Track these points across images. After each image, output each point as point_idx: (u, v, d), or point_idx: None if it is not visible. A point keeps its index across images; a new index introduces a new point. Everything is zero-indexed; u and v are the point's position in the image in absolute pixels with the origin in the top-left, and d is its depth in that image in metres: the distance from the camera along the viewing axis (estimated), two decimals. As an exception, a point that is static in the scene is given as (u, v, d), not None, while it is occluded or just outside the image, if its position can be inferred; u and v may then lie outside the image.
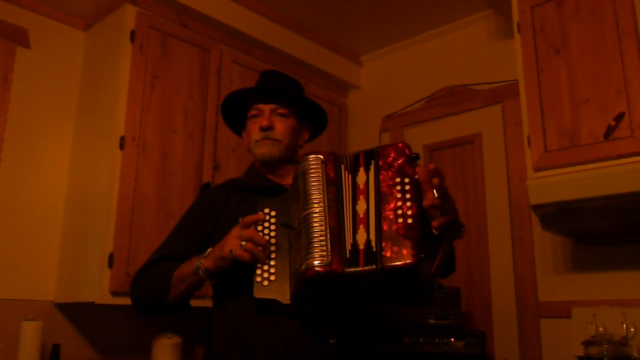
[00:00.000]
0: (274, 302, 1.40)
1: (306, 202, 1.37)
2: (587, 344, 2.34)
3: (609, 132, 2.17)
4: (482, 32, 3.27)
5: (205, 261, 1.46)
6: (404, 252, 1.27)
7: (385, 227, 1.32)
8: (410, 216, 1.31)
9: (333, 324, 1.51)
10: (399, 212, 1.32)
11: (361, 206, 1.37)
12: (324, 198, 1.37)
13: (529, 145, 2.37)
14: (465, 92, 3.25)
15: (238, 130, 1.86)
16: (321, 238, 1.32)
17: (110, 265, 2.41)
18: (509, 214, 2.95)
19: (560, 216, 2.31)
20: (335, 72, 3.63)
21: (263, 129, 1.69)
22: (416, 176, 1.36)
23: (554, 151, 2.31)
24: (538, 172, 2.32)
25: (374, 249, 1.30)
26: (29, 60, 2.78)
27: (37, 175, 2.73)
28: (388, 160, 1.40)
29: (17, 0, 2.77)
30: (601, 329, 2.41)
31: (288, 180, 1.70)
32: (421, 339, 2.62)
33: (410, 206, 1.32)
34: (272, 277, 1.40)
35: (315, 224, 1.34)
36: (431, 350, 2.59)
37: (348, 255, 1.31)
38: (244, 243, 1.39)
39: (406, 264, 1.27)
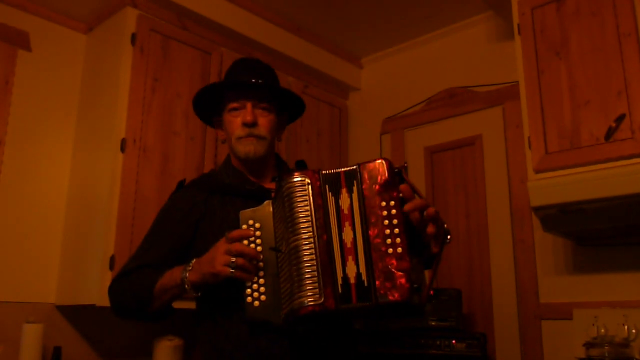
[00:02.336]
0: (265, 323, 1.36)
1: (294, 230, 1.31)
2: (588, 345, 2.34)
3: (609, 134, 2.17)
4: (483, 34, 3.27)
5: (190, 275, 1.39)
6: (398, 287, 1.23)
7: (375, 258, 1.26)
8: (399, 245, 1.25)
9: (321, 345, 1.47)
10: (388, 240, 1.26)
11: (347, 234, 1.30)
12: (312, 226, 1.30)
13: (529, 147, 2.37)
14: (465, 94, 3.25)
15: (208, 119, 1.74)
16: (312, 273, 1.26)
17: (111, 267, 2.41)
18: (509, 215, 2.95)
19: (561, 218, 2.31)
20: (336, 74, 3.63)
21: (247, 125, 1.58)
22: (401, 195, 1.30)
23: (554, 153, 2.31)
24: (539, 173, 2.32)
25: (366, 284, 1.25)
26: (30, 63, 2.79)
27: (38, 178, 2.74)
28: (370, 181, 1.32)
29: (18, 4, 2.77)
30: (602, 330, 2.41)
31: (267, 180, 1.65)
32: (422, 341, 2.62)
33: (399, 233, 1.26)
34: (263, 297, 1.35)
35: (304, 257, 1.28)
36: (432, 352, 2.59)
37: (340, 291, 1.26)
38: (234, 259, 1.33)
39: (400, 300, 1.23)
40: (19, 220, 2.65)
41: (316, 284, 1.26)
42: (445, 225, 1.40)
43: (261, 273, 1.37)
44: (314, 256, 1.28)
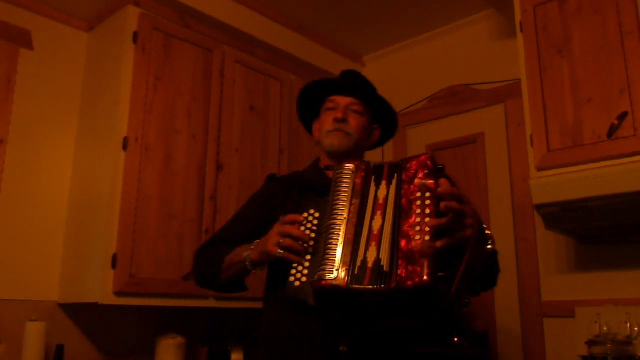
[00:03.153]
0: (301, 302, 1.40)
1: (331, 211, 1.40)
2: (590, 343, 2.33)
3: (612, 132, 2.17)
4: (485, 32, 3.27)
5: (251, 253, 1.53)
6: (419, 271, 1.24)
7: (402, 245, 1.29)
8: (428, 233, 1.28)
9: (351, 333, 1.50)
10: (417, 228, 1.30)
11: (377, 222, 1.36)
12: (347, 210, 1.39)
13: (531, 145, 2.37)
14: (467, 92, 3.25)
15: (308, 125, 1.89)
16: (333, 252, 1.34)
17: (113, 265, 2.42)
18: (512, 213, 2.95)
19: (563, 216, 2.31)
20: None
21: (337, 121, 1.71)
22: (439, 189, 1.34)
23: (556, 150, 2.30)
24: (541, 171, 2.32)
25: (385, 268, 1.29)
26: (32, 61, 2.79)
27: (40, 177, 2.74)
28: (410, 174, 1.38)
29: (20, 2, 2.77)
30: (605, 328, 2.41)
31: None
32: (425, 339, 2.62)
33: (429, 222, 1.30)
34: (304, 279, 1.40)
35: (333, 236, 1.37)
36: (435, 350, 2.59)
37: (356, 272, 1.31)
38: (281, 240, 1.42)
39: (419, 283, 1.23)
40: (22, 219, 2.66)
41: (334, 263, 1.33)
42: (488, 232, 1.47)
43: (308, 257, 1.42)
44: (340, 237, 1.36)
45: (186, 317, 2.96)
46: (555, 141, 2.32)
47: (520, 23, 2.52)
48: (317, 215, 1.48)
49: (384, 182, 1.41)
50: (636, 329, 2.36)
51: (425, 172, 1.37)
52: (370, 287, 1.28)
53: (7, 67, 2.69)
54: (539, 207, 2.32)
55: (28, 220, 2.67)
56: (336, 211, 1.40)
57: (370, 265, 1.31)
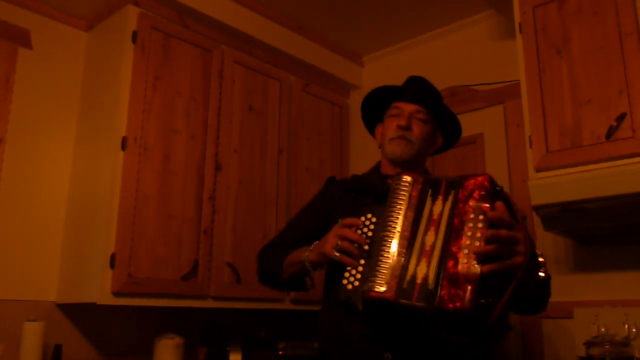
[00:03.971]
0: (352, 305, 1.43)
1: (385, 222, 1.42)
2: (589, 344, 2.34)
3: (610, 133, 2.17)
4: (484, 33, 3.27)
5: (310, 254, 1.60)
6: (462, 295, 1.26)
7: (449, 265, 1.31)
8: (475, 258, 1.30)
9: (396, 341, 1.51)
10: (465, 251, 1.31)
11: (429, 238, 1.37)
12: (401, 222, 1.40)
13: (530, 146, 2.37)
14: (466, 93, 3.25)
15: (371, 129, 1.92)
16: (386, 264, 1.36)
17: (112, 265, 2.41)
18: (510, 214, 2.95)
19: (562, 217, 2.31)
20: (337, 72, 3.63)
21: (401, 128, 1.73)
22: (488, 212, 1.34)
23: (555, 152, 2.30)
24: (540, 172, 2.32)
25: (431, 287, 1.31)
26: (31, 61, 2.79)
27: (39, 176, 2.74)
28: (466, 193, 1.39)
29: (19, 1, 2.77)
30: (603, 329, 2.41)
31: None
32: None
33: (478, 247, 1.30)
34: (356, 283, 1.43)
35: (385, 247, 1.38)
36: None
37: (404, 286, 1.33)
38: (339, 242, 1.45)
39: (460, 308, 1.25)
40: (20, 218, 2.65)
41: (384, 274, 1.35)
42: (541, 259, 1.46)
43: (362, 261, 1.44)
44: (391, 249, 1.38)
45: (185, 318, 2.96)
46: (554, 142, 2.32)
47: (520, 24, 2.52)
48: (374, 220, 1.49)
49: (440, 198, 1.42)
50: (634, 330, 2.36)
51: (482, 193, 1.37)
52: (417, 303, 1.31)
53: (6, 66, 2.69)
54: (538, 208, 2.31)
55: (26, 220, 2.67)
56: (390, 223, 1.41)
57: (419, 281, 1.33)
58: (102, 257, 2.42)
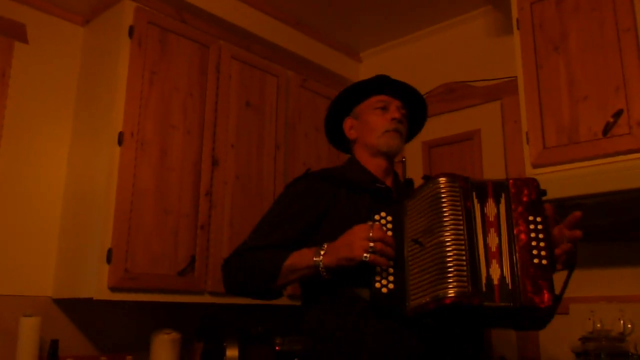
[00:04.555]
0: (393, 310, 1.40)
1: (441, 227, 1.37)
2: (584, 340, 2.35)
3: (607, 129, 2.17)
4: (481, 29, 3.27)
5: (325, 257, 1.46)
6: (544, 293, 1.31)
7: (521, 265, 1.33)
8: (545, 257, 1.35)
9: (447, 343, 1.49)
10: (534, 252, 1.35)
11: (492, 239, 1.37)
12: (461, 225, 1.37)
13: (527, 142, 2.38)
14: (464, 89, 3.25)
15: (340, 117, 1.84)
16: (460, 267, 1.32)
17: (108, 261, 2.41)
18: (507, 210, 2.95)
19: (558, 213, 2.31)
20: (334, 68, 3.62)
21: (398, 121, 1.71)
22: (546, 213, 1.39)
23: (552, 148, 2.31)
24: (536, 168, 2.33)
25: (510, 286, 1.32)
26: (27, 55, 2.78)
27: (35, 171, 2.73)
28: (520, 196, 1.41)
29: (15, -4, 2.76)
30: (599, 325, 2.42)
31: (388, 179, 1.75)
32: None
33: (544, 247, 1.35)
34: (391, 286, 1.40)
35: (449, 252, 1.34)
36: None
37: (484, 289, 1.32)
38: (372, 244, 1.39)
39: (545, 305, 1.31)
40: (16, 214, 2.65)
41: (464, 278, 1.31)
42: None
43: (391, 262, 1.42)
44: (462, 251, 1.34)
45: (181, 313, 2.96)
46: (550, 138, 2.32)
47: (517, 20, 2.52)
48: (389, 219, 1.47)
49: (489, 200, 1.41)
50: (629, 325, 2.37)
51: (535, 194, 1.41)
52: (502, 304, 1.31)
53: (2, 60, 2.68)
54: (534, 204, 2.32)
55: (23, 215, 2.66)
56: (446, 227, 1.36)
57: (496, 282, 1.33)
58: (99, 252, 2.42)
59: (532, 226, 1.37)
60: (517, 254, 1.35)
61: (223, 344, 2.76)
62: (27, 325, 2.42)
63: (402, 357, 1.44)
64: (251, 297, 1.67)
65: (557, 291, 1.38)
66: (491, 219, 1.39)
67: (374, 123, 1.73)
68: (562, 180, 2.22)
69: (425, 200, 1.43)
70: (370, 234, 1.40)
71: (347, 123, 1.81)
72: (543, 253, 1.35)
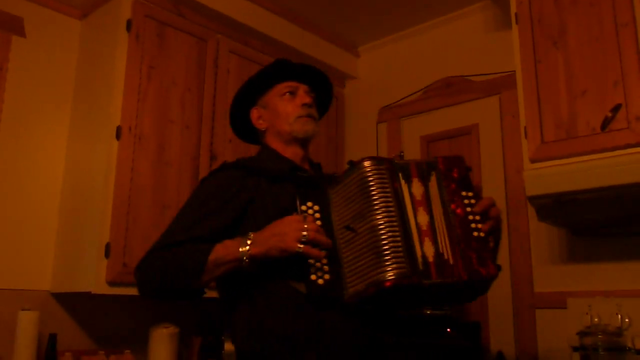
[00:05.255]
0: (331, 300, 1.39)
1: (371, 211, 1.36)
2: (582, 334, 2.35)
3: (605, 124, 2.17)
4: (480, 23, 3.26)
5: (252, 248, 1.40)
6: (488, 264, 1.34)
7: (463, 239, 1.36)
8: (482, 230, 1.38)
9: (384, 323, 1.51)
10: (472, 225, 1.38)
11: (422, 218, 1.38)
12: (391, 207, 1.37)
13: (525, 137, 2.37)
14: (462, 83, 3.25)
15: (245, 109, 1.79)
16: (395, 249, 1.32)
17: (107, 255, 2.41)
18: (505, 205, 2.96)
19: (556, 207, 2.32)
20: (333, 62, 3.62)
21: (308, 106, 1.69)
22: (475, 188, 1.43)
23: (550, 142, 2.31)
24: (535, 163, 2.33)
25: (449, 262, 1.34)
26: (25, 49, 2.77)
27: (33, 165, 2.73)
28: (449, 173, 1.44)
29: (12, -11, 2.75)
30: (596, 319, 2.43)
31: (305, 165, 1.73)
32: (417, 329, 2.63)
33: (480, 220, 1.39)
34: (326, 276, 1.39)
35: (383, 235, 1.34)
36: (427, 340, 2.60)
37: (420, 267, 1.33)
38: (305, 233, 1.37)
39: (488, 275, 1.33)
40: (14, 208, 2.64)
41: (401, 259, 1.32)
42: None
43: (323, 253, 1.40)
44: (396, 233, 1.35)
45: (179, 307, 2.96)
46: (549, 133, 2.32)
47: (516, 14, 2.51)
48: (316, 208, 1.45)
49: (415, 179, 1.42)
50: (627, 320, 2.38)
51: (464, 171, 1.44)
52: (439, 280, 1.32)
53: (-1, 54, 2.67)
54: (532, 199, 2.32)
55: (21, 210, 2.66)
56: (376, 210, 1.36)
57: (431, 260, 1.34)
58: (97, 246, 2.42)
59: (466, 201, 1.40)
60: (457, 229, 1.37)
61: (221, 338, 2.76)
62: (25, 320, 2.42)
63: (347, 346, 1.44)
64: (170, 299, 1.59)
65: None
66: (419, 198, 1.40)
67: (284, 110, 1.69)
68: (560, 175, 2.22)
69: (352, 186, 1.42)
70: (305, 225, 1.38)
71: (254, 114, 1.76)
72: (480, 226, 1.38)
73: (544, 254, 2.78)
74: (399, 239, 1.33)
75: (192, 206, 1.58)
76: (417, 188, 1.42)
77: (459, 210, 1.39)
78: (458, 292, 1.41)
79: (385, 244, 1.33)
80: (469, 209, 1.39)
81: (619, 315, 2.39)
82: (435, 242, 1.36)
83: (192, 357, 2.81)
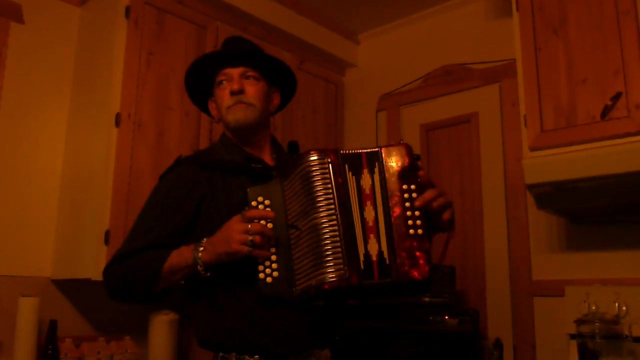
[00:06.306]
0: (278, 299, 1.39)
1: (314, 207, 1.34)
2: (579, 322, 2.37)
3: (605, 112, 2.17)
4: (480, 11, 3.25)
5: (204, 255, 1.41)
6: (420, 265, 1.29)
7: (397, 238, 1.31)
8: (420, 227, 1.32)
9: (332, 315, 1.53)
10: (410, 222, 1.32)
11: (369, 213, 1.34)
12: (333, 204, 1.34)
13: (525, 125, 2.37)
14: (462, 71, 3.24)
15: (204, 107, 1.76)
16: (335, 249, 1.30)
17: (106, 242, 2.41)
18: (504, 193, 2.96)
19: (555, 196, 2.32)
20: (333, 50, 3.60)
21: (234, 93, 1.60)
22: (419, 180, 1.37)
23: (550, 131, 2.31)
24: (534, 151, 2.33)
25: (388, 261, 1.30)
26: (23, 36, 2.75)
27: (33, 152, 2.72)
28: (392, 164, 1.38)
29: (10, -25, 2.73)
30: (593, 307, 2.44)
31: (266, 156, 1.68)
32: (415, 317, 2.64)
33: (419, 216, 1.33)
34: (275, 274, 1.38)
35: (326, 234, 1.32)
36: (425, 328, 2.61)
37: (362, 267, 1.30)
38: (251, 238, 1.35)
39: (421, 278, 1.29)
40: (14, 194, 2.64)
41: (340, 260, 1.29)
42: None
43: (273, 250, 1.39)
44: (336, 233, 1.32)
45: (179, 294, 2.97)
46: (548, 121, 2.32)
47: (516, 2, 2.50)
48: (267, 203, 1.42)
49: (365, 171, 1.38)
50: (624, 308, 2.39)
51: (407, 161, 1.37)
52: (379, 281, 1.30)
53: (-2, 41, 2.66)
54: (531, 187, 2.33)
55: (21, 196, 2.66)
56: (319, 206, 1.34)
57: (374, 258, 1.31)
58: (97, 233, 2.42)
59: (406, 195, 1.34)
60: (393, 226, 1.32)
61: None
62: (25, 306, 2.43)
63: (297, 336, 1.46)
64: (136, 303, 1.60)
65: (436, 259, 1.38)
66: (367, 191, 1.36)
67: (220, 100, 1.64)
68: (559, 163, 2.22)
69: (297, 181, 1.40)
70: (249, 226, 1.35)
71: (211, 106, 1.73)
72: (418, 222, 1.32)
73: (543, 242, 2.79)
74: (337, 238, 1.30)
75: (150, 207, 1.60)
76: (366, 180, 1.37)
77: (396, 207, 1.33)
78: (401, 289, 1.38)
79: (325, 245, 1.30)
80: (407, 204, 1.33)
81: (617, 303, 2.40)
82: (378, 240, 1.32)
83: (192, 344, 2.83)
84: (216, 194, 1.55)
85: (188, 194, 1.55)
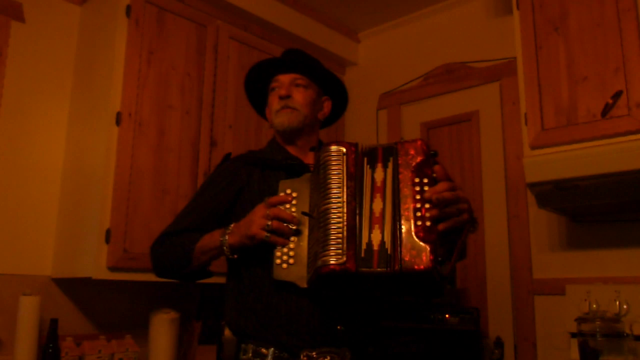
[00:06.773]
0: (291, 285, 1.43)
1: (326, 195, 1.38)
2: (580, 320, 2.36)
3: (606, 111, 2.17)
4: (481, 9, 3.25)
5: (230, 237, 1.51)
6: (423, 256, 1.28)
7: (404, 229, 1.32)
8: (429, 219, 1.32)
9: (344, 310, 1.54)
10: (418, 214, 1.33)
11: (377, 205, 1.37)
12: (343, 193, 1.37)
13: (526, 123, 2.37)
14: (463, 70, 3.24)
15: (262, 112, 1.89)
16: (338, 235, 1.33)
17: (107, 240, 2.42)
18: (505, 191, 2.96)
19: (556, 194, 2.32)
20: (333, 48, 3.60)
21: (282, 98, 1.71)
22: (434, 175, 1.38)
23: (551, 129, 2.30)
24: (535, 150, 2.33)
25: (389, 251, 1.31)
26: (24, 34, 2.76)
27: (33, 150, 2.72)
28: (407, 158, 1.40)
29: (10, -26, 2.73)
30: (594, 306, 2.44)
31: (309, 156, 1.73)
32: (416, 315, 2.64)
33: (429, 208, 1.33)
34: (291, 261, 1.43)
35: (332, 220, 1.35)
36: (426, 326, 2.62)
37: (362, 255, 1.32)
38: (270, 223, 1.42)
39: (424, 268, 1.28)
40: (15, 193, 2.65)
41: (340, 246, 1.32)
42: (475, 215, 1.48)
43: (293, 238, 1.44)
44: (340, 220, 1.35)
45: (180, 292, 2.97)
46: (549, 119, 2.32)
47: (517, 0, 2.50)
48: (294, 195, 1.48)
49: (379, 165, 1.41)
50: (625, 306, 2.39)
51: (422, 156, 1.39)
52: (378, 270, 1.31)
53: (-2, 39, 2.66)
54: (532, 185, 2.33)
55: (21, 195, 2.66)
56: (331, 194, 1.38)
57: (376, 248, 1.32)
58: (98, 232, 2.43)
59: (417, 188, 1.36)
60: (401, 218, 1.33)
61: (222, 323, 2.78)
62: (26, 304, 2.43)
63: (310, 326, 1.51)
64: (179, 280, 1.73)
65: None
66: (378, 184, 1.39)
67: (271, 105, 1.77)
68: (560, 162, 2.22)
69: (318, 172, 1.45)
70: (268, 212, 1.43)
71: (267, 110, 1.84)
72: (427, 215, 1.32)
73: (543, 240, 2.79)
74: (341, 226, 1.33)
75: (193, 198, 1.76)
76: (379, 174, 1.40)
77: (407, 199, 1.34)
78: (405, 283, 1.37)
79: (330, 232, 1.34)
80: (418, 197, 1.34)
81: (617, 302, 2.40)
82: (382, 231, 1.34)
83: (192, 342, 2.83)
84: (253, 186, 1.67)
85: (227, 185, 1.69)
